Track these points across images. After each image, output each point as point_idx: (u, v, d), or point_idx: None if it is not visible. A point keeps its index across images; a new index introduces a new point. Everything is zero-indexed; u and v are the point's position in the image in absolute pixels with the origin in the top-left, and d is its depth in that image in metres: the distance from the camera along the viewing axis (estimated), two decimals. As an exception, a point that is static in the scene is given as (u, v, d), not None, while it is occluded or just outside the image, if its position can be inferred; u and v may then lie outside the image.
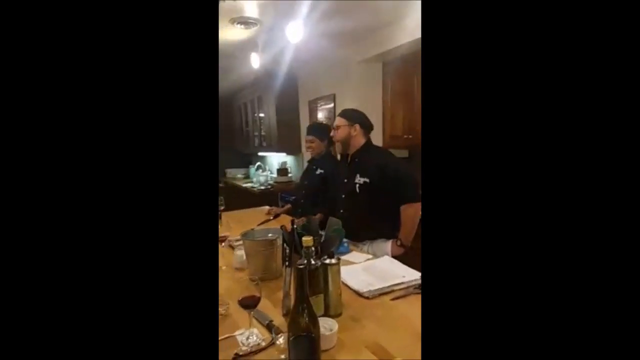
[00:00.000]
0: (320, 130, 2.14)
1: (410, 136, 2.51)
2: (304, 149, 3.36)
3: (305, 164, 2.37)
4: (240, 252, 1.29)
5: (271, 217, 2.13)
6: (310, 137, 2.09)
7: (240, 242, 1.28)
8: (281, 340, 0.72)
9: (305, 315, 0.63)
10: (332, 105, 3.18)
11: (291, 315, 0.65)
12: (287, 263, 0.95)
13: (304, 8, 1.79)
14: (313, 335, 0.63)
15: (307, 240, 0.85)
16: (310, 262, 0.86)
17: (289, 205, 2.33)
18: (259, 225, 1.88)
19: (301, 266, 0.73)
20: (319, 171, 2.09)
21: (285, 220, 2.02)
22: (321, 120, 3.38)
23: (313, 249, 0.87)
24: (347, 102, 2.87)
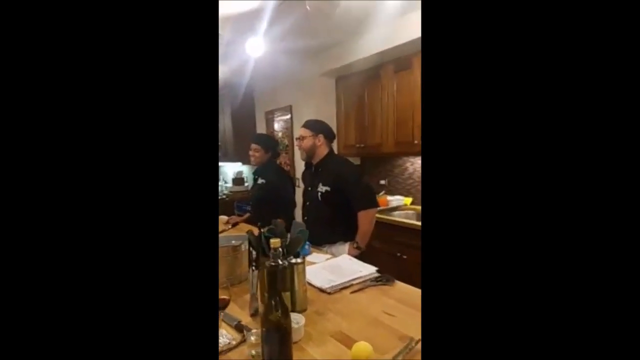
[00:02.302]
0: (266, 141, 2.21)
1: (362, 145, 2.69)
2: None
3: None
4: (203, 260, 1.29)
5: (229, 226, 2.12)
6: (255, 146, 2.15)
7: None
8: (252, 337, 0.76)
9: (278, 310, 0.68)
10: (288, 116, 3.26)
11: (264, 311, 0.70)
12: (254, 266, 1.00)
13: (264, 25, 1.86)
14: (285, 327, 0.69)
15: (274, 242, 0.91)
16: (278, 262, 0.92)
17: (247, 214, 2.34)
18: (219, 234, 1.88)
19: (273, 264, 0.79)
20: (260, 181, 2.17)
21: (246, 228, 2.04)
22: (278, 130, 3.44)
23: (280, 249, 0.93)
24: (304, 114, 2.97)
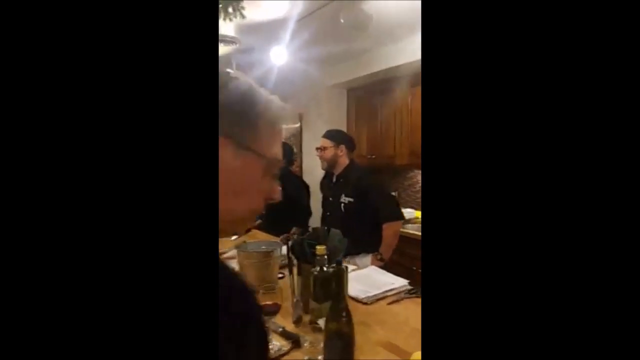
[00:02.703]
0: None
1: (374, 156, 2.71)
2: None
3: None
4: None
5: (243, 232, 2.09)
6: None
7: (225, 254, 1.26)
8: (307, 344, 0.74)
9: (343, 315, 0.67)
10: (298, 124, 3.27)
11: (328, 317, 0.69)
12: (297, 272, 0.98)
13: (288, 34, 1.89)
14: (349, 335, 0.68)
15: (320, 248, 0.90)
16: (323, 269, 0.91)
17: (259, 221, 2.31)
18: (232, 239, 1.86)
19: (332, 269, 0.78)
20: None
21: (258, 235, 2.01)
22: (287, 137, 3.45)
23: (326, 257, 0.92)
24: (314, 123, 3.00)
